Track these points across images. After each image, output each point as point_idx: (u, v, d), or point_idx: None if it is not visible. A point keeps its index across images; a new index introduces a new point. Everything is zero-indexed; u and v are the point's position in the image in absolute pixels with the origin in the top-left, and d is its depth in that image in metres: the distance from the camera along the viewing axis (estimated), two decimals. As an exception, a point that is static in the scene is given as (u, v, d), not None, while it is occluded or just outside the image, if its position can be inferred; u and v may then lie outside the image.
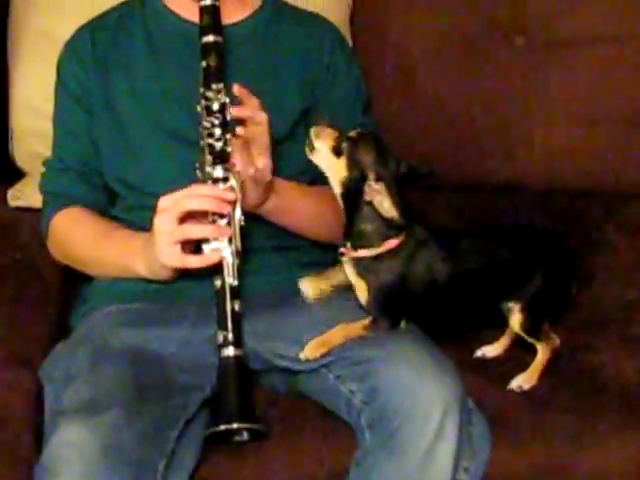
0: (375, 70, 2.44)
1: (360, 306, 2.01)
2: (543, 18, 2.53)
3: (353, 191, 1.97)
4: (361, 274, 2.01)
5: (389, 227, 1.97)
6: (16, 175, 2.55)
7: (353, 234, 2.00)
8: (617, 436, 2.00)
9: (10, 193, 2.50)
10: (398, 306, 2.02)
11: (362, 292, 2.00)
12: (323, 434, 1.98)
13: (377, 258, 2.00)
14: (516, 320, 2.08)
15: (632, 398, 2.07)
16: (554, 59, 2.53)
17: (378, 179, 1.94)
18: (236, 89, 1.95)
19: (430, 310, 2.08)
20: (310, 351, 1.97)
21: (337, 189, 2.01)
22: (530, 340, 2.11)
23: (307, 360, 1.98)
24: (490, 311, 2.13)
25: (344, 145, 1.97)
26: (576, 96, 2.53)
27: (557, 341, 2.13)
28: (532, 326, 2.10)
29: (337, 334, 1.98)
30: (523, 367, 2.11)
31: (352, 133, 1.98)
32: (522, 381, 2.08)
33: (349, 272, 2.02)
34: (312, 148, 2.01)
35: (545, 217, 2.47)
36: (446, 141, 2.46)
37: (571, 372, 2.14)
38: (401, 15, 2.54)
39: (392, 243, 1.99)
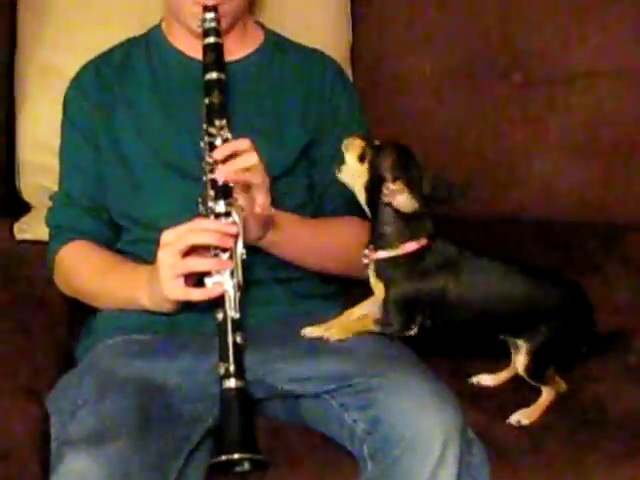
0: (375, 104, 2.45)
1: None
2: (539, 55, 2.54)
3: (374, 195, 1.99)
4: (379, 275, 2.03)
5: (409, 229, 2.00)
6: (22, 208, 2.55)
7: (375, 236, 2.03)
8: (617, 466, 1.99)
9: (16, 226, 2.51)
10: (411, 311, 2.03)
11: (379, 293, 2.03)
12: (325, 464, 1.97)
13: (395, 260, 2.02)
14: (521, 361, 2.07)
15: (633, 428, 2.06)
16: (551, 94, 2.53)
17: (395, 179, 1.96)
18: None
19: (437, 326, 2.07)
20: (316, 330, 2.03)
21: (361, 196, 2.04)
22: (533, 383, 2.10)
23: (310, 335, 2.04)
24: (495, 342, 2.13)
25: (368, 151, 2.00)
26: (573, 130, 2.53)
27: (563, 385, 2.11)
28: (536, 370, 2.08)
29: (346, 319, 2.05)
30: (522, 399, 2.10)
31: (377, 142, 2.02)
32: (522, 417, 2.06)
33: (370, 274, 2.04)
34: (341, 163, 2.04)
35: (544, 248, 2.47)
36: (446, 168, 2.47)
37: (571, 401, 2.12)
38: (401, 51, 2.55)
39: (410, 246, 2.01)
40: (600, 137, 2.54)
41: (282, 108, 2.26)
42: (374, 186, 1.99)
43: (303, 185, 2.25)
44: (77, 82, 2.32)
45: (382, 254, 2.03)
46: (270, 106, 2.26)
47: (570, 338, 2.12)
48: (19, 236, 2.50)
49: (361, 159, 2.01)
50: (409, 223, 2.00)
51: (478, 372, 2.18)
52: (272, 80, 2.30)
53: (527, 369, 2.07)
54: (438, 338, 2.13)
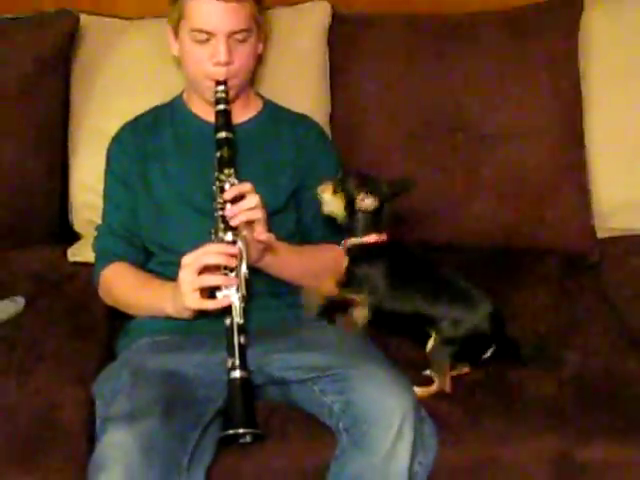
0: (348, 157, 2.43)
1: None
2: (476, 119, 2.52)
3: (351, 209, 2.11)
4: (348, 254, 2.14)
5: (373, 224, 2.11)
6: (74, 237, 2.54)
7: (348, 231, 2.13)
8: (535, 435, 1.98)
9: (70, 251, 2.49)
10: (362, 282, 2.11)
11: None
12: (310, 436, 1.97)
13: (360, 247, 2.12)
14: (429, 345, 2.09)
15: (548, 406, 2.05)
16: (485, 150, 2.52)
17: (359, 193, 2.09)
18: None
19: (380, 313, 2.14)
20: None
21: (343, 214, 2.14)
22: (433, 370, 2.09)
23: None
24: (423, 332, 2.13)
25: (337, 184, 2.11)
26: (502, 178, 2.52)
27: (448, 388, 2.08)
28: (436, 356, 2.09)
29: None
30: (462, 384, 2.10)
31: (339, 174, 2.17)
32: (418, 391, 2.03)
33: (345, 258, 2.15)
34: (320, 206, 2.14)
35: (480, 268, 2.45)
36: (405, 211, 2.47)
37: (500, 386, 2.10)
38: (368, 116, 2.54)
39: (372, 237, 2.12)
40: (523, 184, 2.52)
41: (276, 160, 2.27)
42: (350, 203, 2.10)
43: (292, 220, 2.26)
44: (117, 139, 2.33)
45: (351, 241, 2.14)
46: (267, 159, 2.27)
47: (471, 338, 2.10)
48: (71, 259, 2.49)
49: (335, 192, 2.11)
50: (372, 220, 2.11)
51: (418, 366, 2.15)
52: (269, 138, 2.31)
53: (431, 352, 2.09)
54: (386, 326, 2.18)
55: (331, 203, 2.14)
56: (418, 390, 2.04)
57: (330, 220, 2.20)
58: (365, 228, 2.13)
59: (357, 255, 2.14)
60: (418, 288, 2.13)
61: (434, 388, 2.08)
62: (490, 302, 2.12)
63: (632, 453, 1.98)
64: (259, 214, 2.04)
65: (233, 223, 2.03)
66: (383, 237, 2.14)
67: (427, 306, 2.11)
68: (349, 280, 2.13)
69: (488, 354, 2.13)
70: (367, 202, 2.10)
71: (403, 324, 2.18)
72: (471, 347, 2.12)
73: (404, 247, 2.19)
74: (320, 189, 2.14)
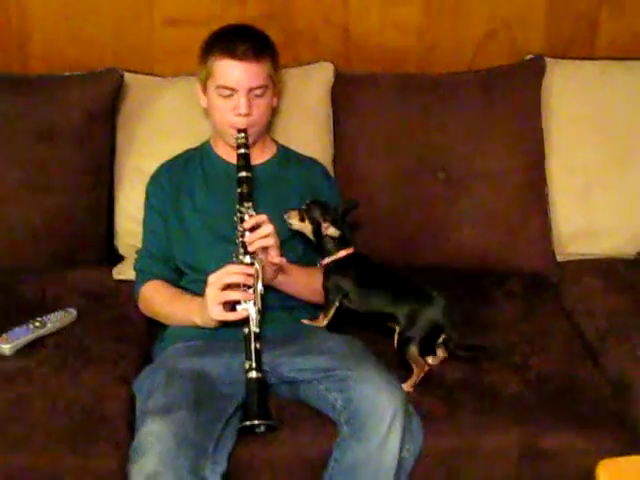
0: (348, 193, 2.43)
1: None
2: (456, 160, 2.51)
3: (318, 233, 2.14)
4: (324, 271, 2.17)
5: (340, 243, 2.16)
6: (118, 259, 2.54)
7: (323, 252, 2.16)
8: (505, 426, 2.00)
9: (114, 270, 2.49)
10: (335, 293, 2.14)
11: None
12: (315, 427, 1.97)
13: (334, 263, 2.15)
14: (395, 339, 2.10)
15: (515, 403, 2.05)
16: (462, 186, 2.51)
17: (325, 221, 2.14)
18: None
19: (350, 311, 2.16)
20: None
21: (312, 237, 2.16)
22: (404, 358, 2.08)
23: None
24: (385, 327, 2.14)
25: (303, 214, 2.15)
26: (476, 209, 2.51)
27: (426, 368, 2.08)
28: (401, 346, 2.08)
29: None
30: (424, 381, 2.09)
31: (303, 205, 2.17)
32: (406, 386, 2.03)
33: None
34: (290, 225, 2.16)
35: (457, 286, 2.44)
36: (394, 237, 2.45)
37: (474, 385, 2.10)
38: (365, 158, 2.53)
39: (341, 253, 2.16)
40: (494, 215, 2.51)
41: (288, 196, 2.27)
42: (316, 229, 2.14)
43: (301, 245, 2.26)
44: (155, 177, 2.33)
45: (327, 260, 2.16)
46: (281, 194, 2.27)
47: (427, 328, 2.10)
48: (116, 277, 2.48)
49: (302, 219, 2.15)
50: (339, 241, 2.15)
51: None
52: (282, 177, 2.31)
53: (397, 343, 2.09)
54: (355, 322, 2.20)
55: (300, 228, 2.18)
56: (405, 385, 2.04)
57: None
58: (334, 247, 2.16)
59: (331, 269, 2.16)
60: (380, 291, 2.15)
61: (415, 374, 2.07)
62: (442, 297, 2.12)
63: (584, 442, 2.00)
64: (272, 241, 2.05)
65: (251, 249, 2.03)
66: (350, 250, 2.17)
67: (390, 305, 2.12)
68: (326, 295, 2.15)
69: (440, 340, 2.13)
70: (331, 230, 2.14)
71: (373, 322, 2.18)
72: (429, 336, 2.11)
73: (367, 258, 2.21)
74: (287, 216, 2.17)
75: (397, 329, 2.09)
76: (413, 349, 2.07)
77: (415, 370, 2.07)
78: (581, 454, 1.98)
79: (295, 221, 2.17)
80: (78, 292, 2.40)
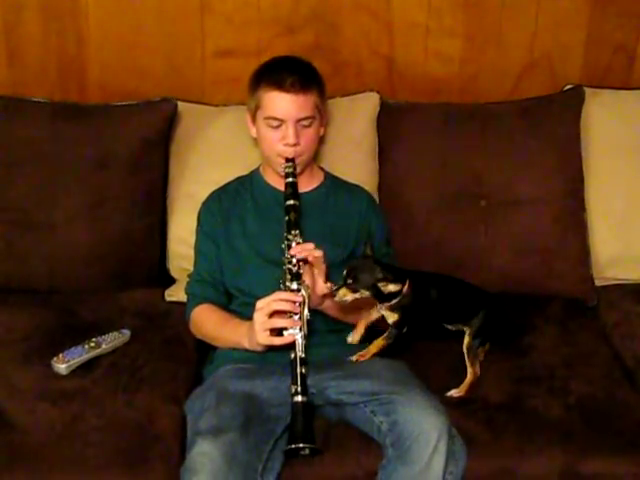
0: (393, 219, 2.43)
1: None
2: (496, 189, 2.50)
3: (380, 294, 2.01)
4: (394, 310, 2.04)
5: (397, 281, 2.01)
6: (170, 281, 2.54)
7: (380, 300, 2.03)
8: (546, 451, 1.97)
9: (166, 293, 2.49)
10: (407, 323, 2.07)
11: (392, 318, 2.04)
12: (361, 449, 1.96)
13: (398, 303, 2.03)
14: (465, 341, 2.10)
15: (556, 426, 2.03)
16: (503, 213, 2.49)
17: (378, 281, 1.98)
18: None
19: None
20: (355, 357, 2.07)
21: (375, 299, 2.04)
22: (468, 361, 2.10)
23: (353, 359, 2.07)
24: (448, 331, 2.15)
25: (357, 286, 1.98)
26: (517, 235, 2.49)
27: (478, 371, 2.11)
28: (471, 347, 2.11)
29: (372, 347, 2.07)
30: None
31: (349, 280, 1.98)
32: (454, 392, 2.06)
33: (383, 313, 2.06)
34: (345, 302, 2.01)
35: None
36: (437, 263, 2.41)
37: (516, 408, 2.08)
38: (409, 186, 2.52)
39: (405, 289, 2.02)
40: (534, 241, 2.49)
41: (335, 222, 2.26)
42: (375, 292, 2.00)
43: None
44: (206, 203, 2.33)
45: (387, 304, 2.03)
46: (327, 221, 2.26)
47: (490, 325, 2.14)
48: (168, 299, 2.48)
49: (354, 291, 1.99)
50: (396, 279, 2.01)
51: (449, 389, 2.13)
52: (329, 205, 2.30)
53: (468, 346, 2.10)
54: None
55: (359, 297, 2.01)
56: (456, 391, 2.07)
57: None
58: (394, 295, 2.03)
59: (399, 309, 2.05)
60: (457, 299, 2.15)
61: (469, 379, 2.09)
62: (490, 294, 2.18)
63: (626, 467, 1.98)
64: (319, 267, 2.04)
65: (298, 257, 2.02)
66: (407, 282, 2.03)
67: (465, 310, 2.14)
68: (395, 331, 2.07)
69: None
70: (390, 287, 2.00)
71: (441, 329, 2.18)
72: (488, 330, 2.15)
73: (423, 272, 2.15)
74: (337, 298, 2.00)
75: (467, 331, 2.11)
76: (480, 351, 2.12)
77: (469, 376, 2.10)
78: (621, 479, 1.96)
79: (349, 297, 2.00)
80: (131, 313, 2.40)
